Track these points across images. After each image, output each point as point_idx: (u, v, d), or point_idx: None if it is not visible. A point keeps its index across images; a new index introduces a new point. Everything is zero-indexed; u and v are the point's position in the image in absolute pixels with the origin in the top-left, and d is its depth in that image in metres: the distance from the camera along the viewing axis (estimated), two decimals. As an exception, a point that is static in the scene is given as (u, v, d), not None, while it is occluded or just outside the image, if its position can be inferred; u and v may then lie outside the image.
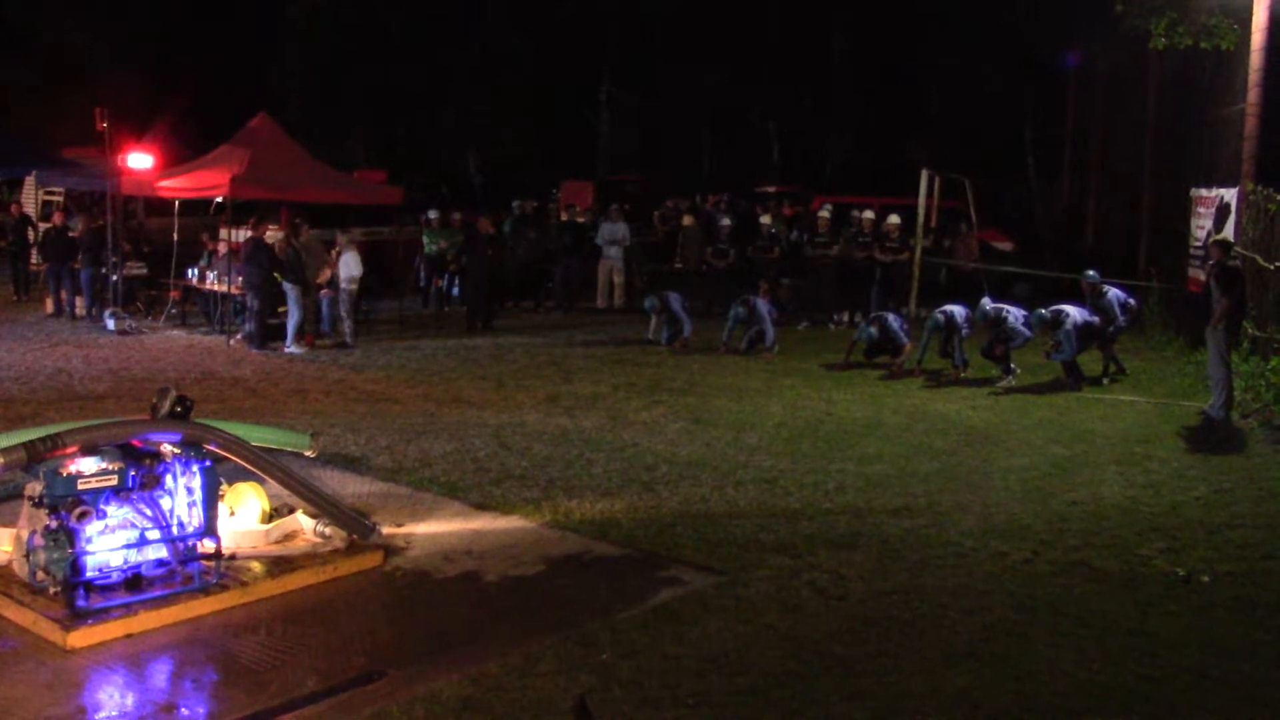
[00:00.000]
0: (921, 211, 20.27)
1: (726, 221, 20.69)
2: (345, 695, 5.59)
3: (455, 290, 20.92)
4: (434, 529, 8.14)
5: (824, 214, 19.99)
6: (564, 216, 22.71)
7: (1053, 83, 28.43)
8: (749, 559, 7.58)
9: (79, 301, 18.98)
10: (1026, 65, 30.24)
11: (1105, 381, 14.20)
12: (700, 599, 6.88)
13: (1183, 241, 17.06)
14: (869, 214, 19.69)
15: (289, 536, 7.56)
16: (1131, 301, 14.90)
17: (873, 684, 5.78)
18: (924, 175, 20.62)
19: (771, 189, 30.94)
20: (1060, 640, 6.36)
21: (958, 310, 14.36)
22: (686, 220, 21.83)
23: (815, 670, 5.93)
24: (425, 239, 20.90)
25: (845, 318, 19.04)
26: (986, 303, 14.44)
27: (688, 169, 38.09)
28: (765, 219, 20.90)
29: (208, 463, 6.85)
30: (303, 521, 7.67)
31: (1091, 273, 14.86)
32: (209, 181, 17.49)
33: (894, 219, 19.31)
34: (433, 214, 21.13)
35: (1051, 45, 26.79)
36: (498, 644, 6.19)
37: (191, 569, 6.72)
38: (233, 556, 7.10)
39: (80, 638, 6.08)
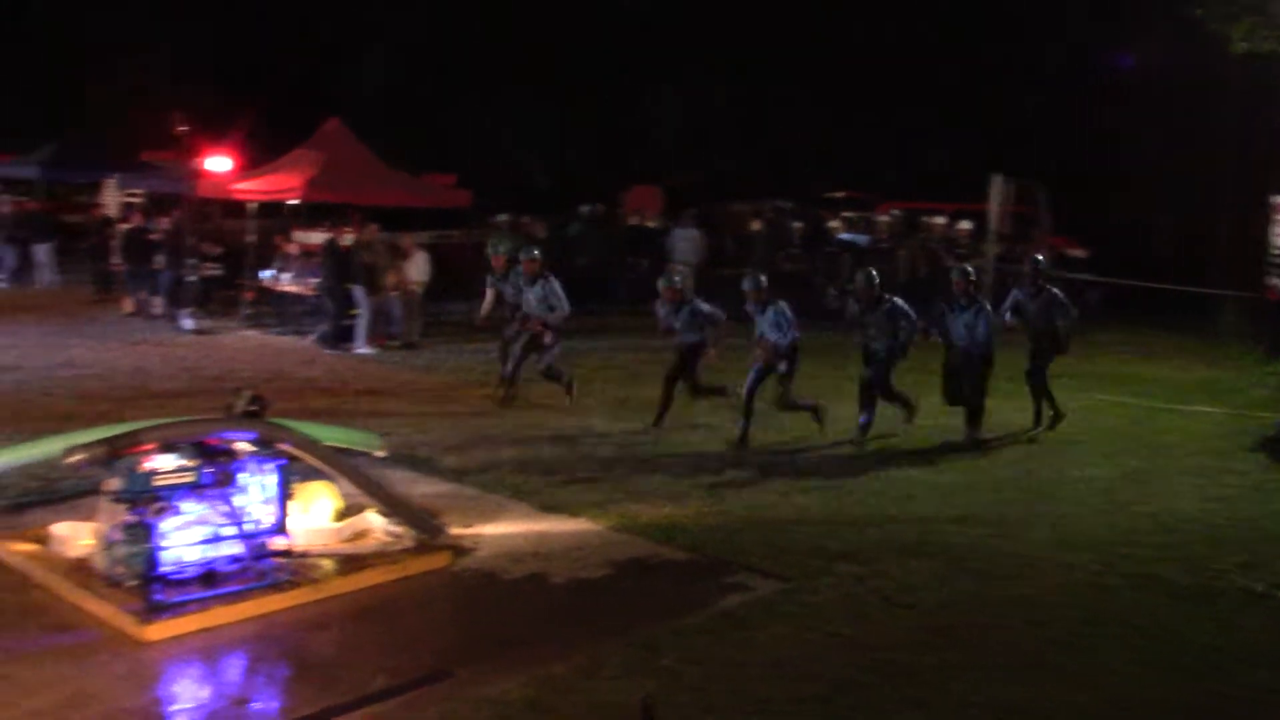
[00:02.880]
0: (993, 218, 20.03)
1: (798, 225, 20.63)
2: (413, 694, 5.65)
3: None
4: (501, 530, 8.19)
5: (886, 219, 19.87)
6: (632, 221, 22.78)
7: (1121, 88, 27.92)
8: (815, 566, 7.55)
9: (157, 301, 19.38)
10: (1101, 75, 29.72)
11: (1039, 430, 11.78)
12: (766, 605, 6.87)
13: (1261, 249, 16.72)
14: (940, 219, 19.53)
15: (360, 535, 7.64)
16: (1062, 298, 11.96)
17: (935, 693, 5.74)
18: (995, 181, 20.37)
19: (840, 194, 30.77)
20: (1129, 654, 6.26)
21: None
22: (755, 225, 21.76)
23: (878, 678, 5.89)
24: (490, 243, 21.04)
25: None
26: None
27: (748, 173, 37.90)
28: (833, 224, 20.82)
29: (281, 461, 6.97)
30: (373, 520, 7.75)
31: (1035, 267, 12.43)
32: (284, 184, 17.82)
33: (964, 224, 19.13)
34: (502, 217, 21.25)
35: (1116, 49, 26.38)
36: (563, 646, 6.22)
37: (264, 565, 6.83)
38: (304, 554, 7.20)
39: (156, 631, 6.19)
